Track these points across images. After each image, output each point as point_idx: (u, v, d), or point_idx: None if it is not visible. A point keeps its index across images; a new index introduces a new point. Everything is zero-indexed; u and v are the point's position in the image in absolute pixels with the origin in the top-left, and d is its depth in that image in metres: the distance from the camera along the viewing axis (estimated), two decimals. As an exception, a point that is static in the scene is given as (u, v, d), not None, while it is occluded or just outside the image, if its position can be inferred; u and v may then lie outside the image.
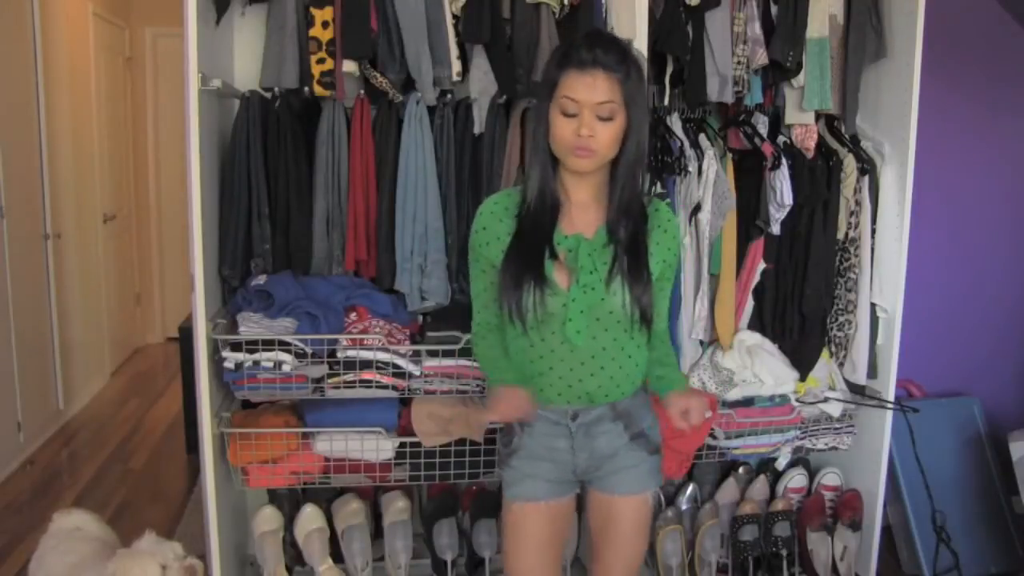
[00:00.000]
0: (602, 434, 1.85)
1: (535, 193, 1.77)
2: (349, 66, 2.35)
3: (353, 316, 2.40)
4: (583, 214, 1.79)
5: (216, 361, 2.27)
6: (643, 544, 1.95)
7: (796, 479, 2.86)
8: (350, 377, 2.31)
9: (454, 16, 2.35)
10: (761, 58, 2.47)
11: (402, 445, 2.44)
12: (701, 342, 2.59)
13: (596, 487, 1.91)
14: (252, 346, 2.24)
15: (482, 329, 1.91)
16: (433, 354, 2.34)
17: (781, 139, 2.61)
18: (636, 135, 1.71)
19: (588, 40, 1.69)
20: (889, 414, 2.69)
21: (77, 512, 2.48)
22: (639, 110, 1.70)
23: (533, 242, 1.76)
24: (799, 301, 2.61)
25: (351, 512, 2.58)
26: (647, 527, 1.95)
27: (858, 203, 2.59)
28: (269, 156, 2.39)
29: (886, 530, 2.99)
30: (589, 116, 1.65)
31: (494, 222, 1.81)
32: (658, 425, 1.92)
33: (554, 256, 1.75)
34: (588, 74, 1.64)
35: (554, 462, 1.86)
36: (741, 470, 2.88)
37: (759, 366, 2.55)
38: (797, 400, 2.66)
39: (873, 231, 2.62)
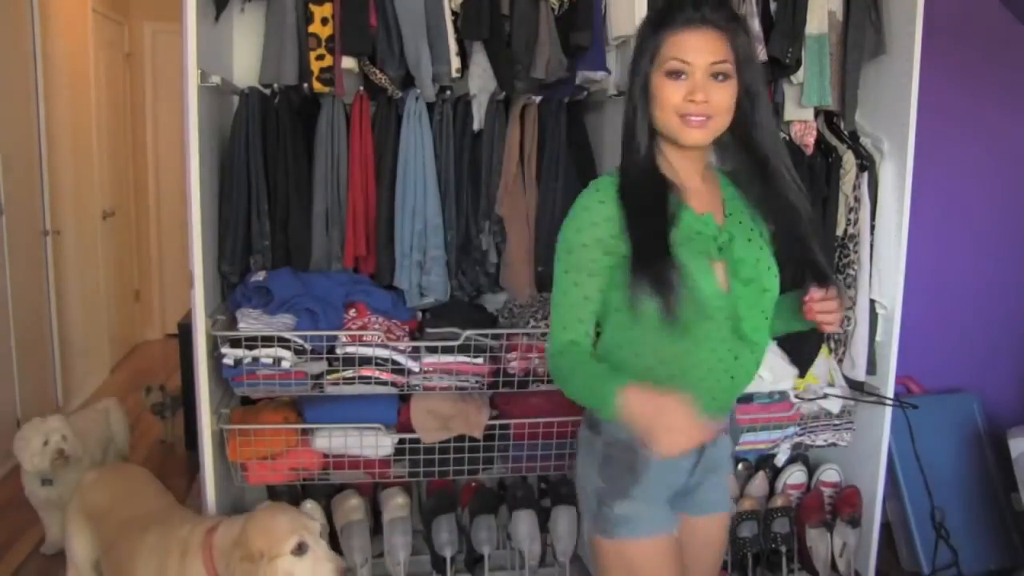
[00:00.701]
0: (717, 446, 1.63)
1: (642, 176, 1.51)
2: (348, 62, 2.35)
3: (352, 312, 2.40)
4: (700, 196, 1.55)
5: (215, 357, 2.27)
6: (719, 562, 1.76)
7: (795, 475, 2.86)
8: (349, 373, 2.31)
9: (453, 13, 2.35)
10: (760, 54, 2.47)
11: (401, 441, 2.44)
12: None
13: (691, 510, 1.65)
14: (251, 342, 2.24)
15: (573, 353, 1.52)
16: (432, 350, 2.34)
17: (780, 135, 2.61)
18: (757, 101, 1.51)
19: None
20: (888, 410, 2.69)
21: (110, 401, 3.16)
22: (755, 71, 1.50)
23: (660, 231, 1.47)
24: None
25: (350, 508, 2.58)
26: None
27: (857, 199, 2.59)
28: (268, 152, 2.39)
29: (885, 526, 2.99)
30: (703, 78, 1.44)
31: (604, 211, 1.49)
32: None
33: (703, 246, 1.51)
34: (696, 31, 1.44)
35: (670, 486, 1.60)
36: (740, 466, 2.88)
37: (758, 363, 2.55)
38: (796, 397, 2.66)
39: (872, 227, 2.62)
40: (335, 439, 2.40)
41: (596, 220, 1.49)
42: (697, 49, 1.44)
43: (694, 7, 1.45)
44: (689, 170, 1.56)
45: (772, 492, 2.86)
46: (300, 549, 1.88)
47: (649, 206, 1.49)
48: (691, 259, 1.47)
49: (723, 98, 1.46)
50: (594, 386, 1.48)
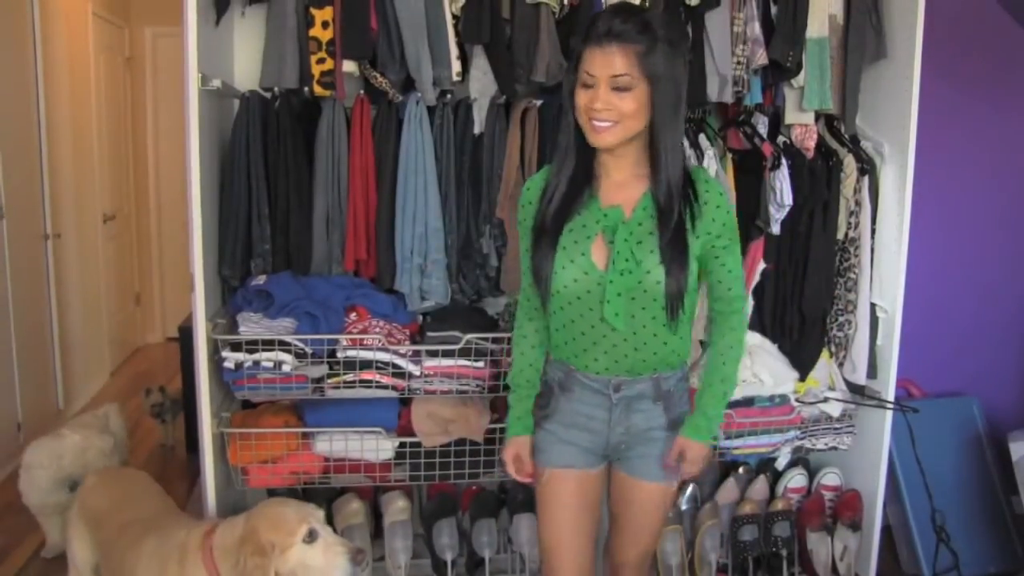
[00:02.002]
0: (641, 411, 1.85)
1: (561, 168, 1.78)
2: (349, 66, 2.35)
3: (353, 316, 2.40)
4: (621, 191, 1.78)
5: (216, 361, 2.27)
6: (659, 534, 1.99)
7: (796, 479, 2.86)
8: (350, 377, 2.31)
9: (454, 16, 2.35)
10: (761, 58, 2.47)
11: (402, 445, 2.44)
12: (701, 342, 2.59)
13: (623, 468, 1.91)
14: (252, 346, 2.24)
15: (522, 318, 1.95)
16: (433, 354, 2.34)
17: (781, 139, 2.61)
18: (665, 106, 1.67)
19: (607, 12, 1.69)
20: (889, 414, 2.69)
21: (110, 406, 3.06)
22: (665, 80, 1.66)
23: (558, 217, 1.77)
24: (799, 301, 2.61)
25: (351, 512, 2.58)
26: (665, 518, 1.98)
27: (858, 203, 2.59)
28: (269, 156, 2.39)
29: (886, 530, 2.99)
30: (604, 89, 1.65)
31: (536, 192, 1.84)
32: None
33: (582, 233, 1.76)
34: (603, 48, 1.64)
35: (590, 432, 1.86)
36: (741, 470, 2.88)
37: (759, 366, 2.55)
38: (797, 400, 2.66)
39: (873, 231, 2.62)
40: (336, 443, 2.40)
41: (523, 202, 1.87)
42: (602, 62, 1.65)
43: (604, 22, 1.66)
44: (612, 165, 1.78)
45: (773, 496, 2.85)
46: (311, 536, 1.91)
47: (552, 197, 1.79)
48: (571, 244, 1.76)
49: (626, 106, 1.66)
50: (511, 392, 1.96)
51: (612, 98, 1.65)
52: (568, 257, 1.76)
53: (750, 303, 2.60)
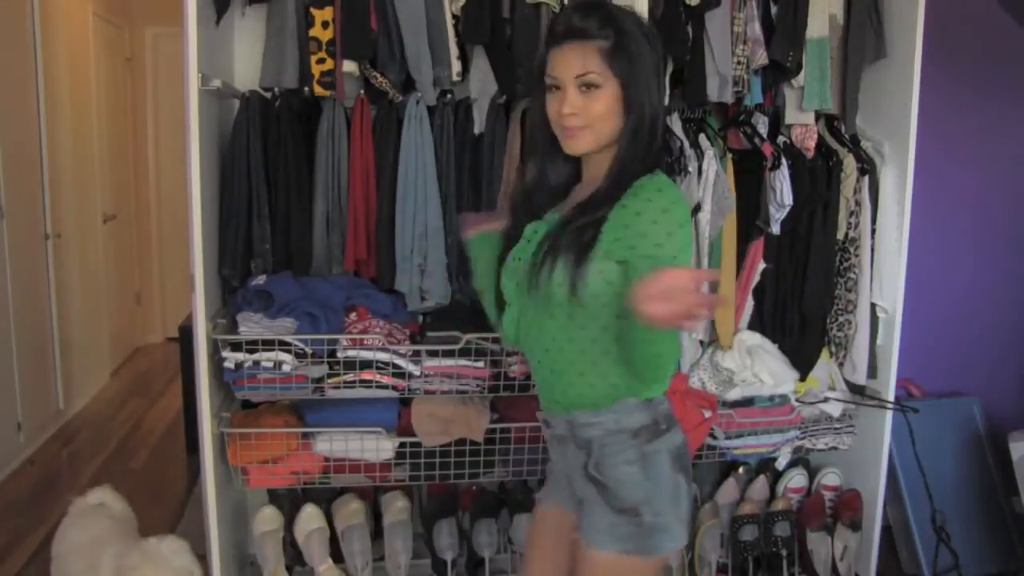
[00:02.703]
0: (568, 455, 1.66)
1: (527, 184, 1.68)
2: (349, 66, 2.35)
3: (353, 316, 2.40)
4: (581, 191, 1.63)
5: (216, 361, 2.27)
6: None
7: (796, 479, 2.86)
8: (350, 377, 2.31)
9: (454, 16, 2.35)
10: (761, 58, 2.47)
11: (402, 445, 2.44)
12: (701, 342, 2.59)
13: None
14: (252, 346, 2.24)
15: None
16: (433, 354, 2.34)
17: (781, 139, 2.61)
18: (635, 103, 1.53)
19: (566, 10, 1.57)
20: (889, 414, 2.69)
21: (102, 489, 2.52)
22: (634, 75, 1.51)
23: (508, 232, 1.69)
24: (799, 301, 2.61)
25: (351, 512, 2.58)
26: None
27: (858, 203, 2.59)
28: (269, 156, 2.39)
29: (886, 530, 2.99)
30: (571, 92, 1.52)
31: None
32: (651, 484, 1.57)
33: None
34: (563, 47, 1.52)
35: (555, 471, 1.79)
36: (741, 470, 2.88)
37: (759, 366, 2.55)
38: (797, 400, 2.66)
39: (873, 231, 2.62)
40: (336, 443, 2.40)
41: None
42: (563, 62, 1.53)
43: (562, 21, 1.54)
44: (593, 166, 1.62)
45: (773, 496, 2.85)
46: None
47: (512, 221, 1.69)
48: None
49: (596, 107, 1.52)
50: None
51: (580, 100, 1.52)
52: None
53: (750, 303, 2.60)
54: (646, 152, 1.56)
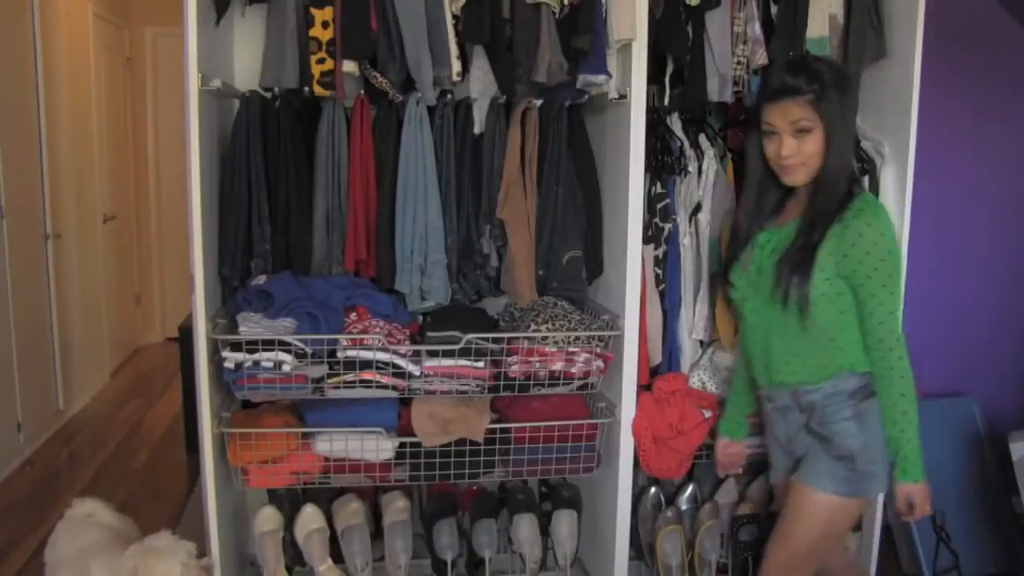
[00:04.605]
0: (791, 420, 2.05)
1: (748, 204, 2.07)
2: (349, 66, 2.35)
3: (353, 316, 2.40)
4: (793, 209, 2.01)
5: (216, 361, 2.27)
6: (808, 540, 2.00)
7: (796, 479, 2.85)
8: (350, 377, 2.31)
9: (454, 16, 2.35)
10: (761, 58, 2.47)
11: (402, 445, 2.43)
12: (701, 342, 2.59)
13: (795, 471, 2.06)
14: (252, 346, 2.24)
15: None
16: (433, 354, 2.34)
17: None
18: (835, 146, 1.89)
19: (779, 69, 1.98)
20: (889, 414, 2.68)
21: (91, 500, 2.50)
22: (836, 124, 1.88)
23: (736, 240, 2.10)
24: (799, 301, 2.61)
25: (351, 512, 2.58)
26: (819, 528, 1.99)
27: (858, 203, 2.58)
28: (269, 156, 2.39)
29: (886, 530, 2.98)
30: (787, 138, 1.90)
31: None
32: (866, 436, 1.95)
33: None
34: (779, 103, 1.89)
35: (773, 439, 2.16)
36: (741, 470, 2.88)
37: (759, 366, 2.55)
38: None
39: (873, 231, 2.61)
40: (336, 443, 2.40)
41: None
42: (780, 116, 1.90)
43: (777, 78, 1.93)
44: (800, 191, 2.01)
45: (772, 496, 2.85)
46: None
47: (741, 233, 2.12)
48: (737, 267, 2.09)
49: (809, 148, 1.90)
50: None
51: (794, 144, 1.89)
52: (733, 275, 2.10)
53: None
54: (848, 173, 1.95)
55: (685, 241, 2.49)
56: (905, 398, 1.90)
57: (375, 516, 2.69)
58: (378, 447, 2.40)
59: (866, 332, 1.93)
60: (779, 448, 2.15)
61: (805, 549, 2.01)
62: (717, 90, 2.48)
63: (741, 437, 2.35)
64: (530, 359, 2.36)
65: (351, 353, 2.29)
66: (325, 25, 2.32)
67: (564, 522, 2.57)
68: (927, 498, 1.93)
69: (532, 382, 2.38)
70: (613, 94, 2.41)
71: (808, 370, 1.98)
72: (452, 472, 2.46)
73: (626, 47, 2.37)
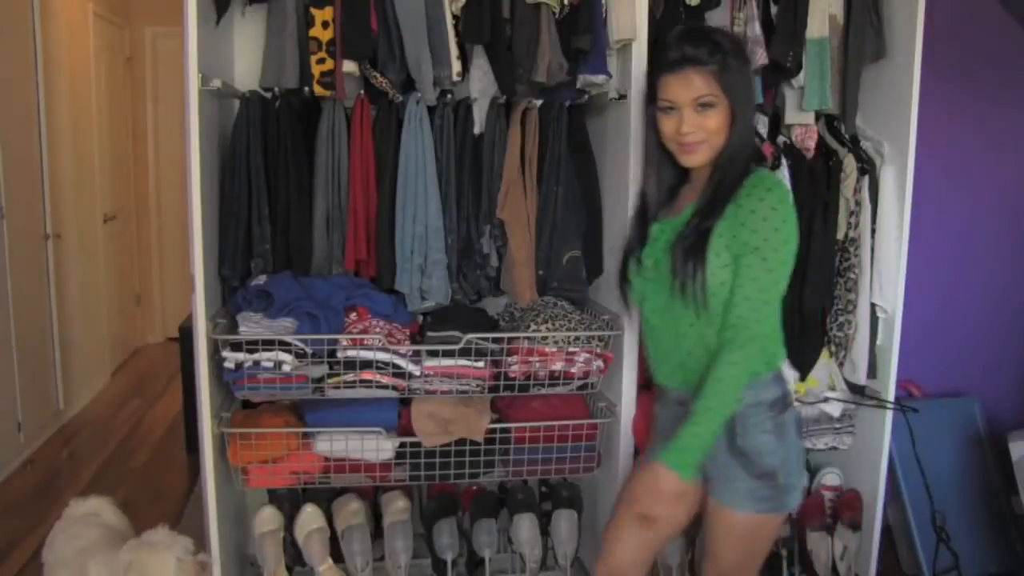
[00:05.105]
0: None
1: (645, 190, 1.92)
2: (349, 66, 2.35)
3: (353, 316, 2.40)
4: (688, 194, 1.86)
5: (216, 361, 2.27)
6: (737, 561, 1.91)
7: (796, 479, 2.85)
8: (350, 377, 2.31)
9: (454, 16, 2.35)
10: (761, 58, 2.47)
11: (402, 445, 2.43)
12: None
13: (706, 482, 1.89)
14: (252, 346, 2.24)
15: None
16: (433, 354, 2.34)
17: (781, 139, 2.61)
18: (739, 123, 1.75)
19: (676, 38, 1.76)
20: (889, 414, 2.69)
21: (93, 498, 2.50)
22: (740, 98, 1.75)
23: (634, 232, 1.94)
24: (799, 301, 2.60)
25: (351, 512, 2.58)
26: (745, 548, 1.89)
27: (858, 203, 2.59)
28: (269, 156, 2.39)
29: (886, 530, 2.99)
30: (688, 113, 1.74)
31: None
32: (785, 451, 1.83)
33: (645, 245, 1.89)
34: (680, 74, 1.72)
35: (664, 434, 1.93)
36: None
37: (759, 366, 2.55)
38: (797, 400, 2.66)
39: (873, 231, 2.62)
40: (336, 443, 2.40)
41: None
42: (681, 88, 1.73)
43: (675, 48, 1.74)
44: (700, 170, 1.84)
45: (773, 496, 2.85)
46: None
47: (636, 221, 1.95)
48: (632, 263, 1.93)
49: (712, 123, 1.74)
50: None
51: (696, 119, 1.74)
52: (631, 272, 1.94)
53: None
54: (748, 152, 1.79)
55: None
56: (719, 384, 1.69)
57: (375, 516, 2.69)
58: (378, 447, 2.40)
59: (728, 307, 1.72)
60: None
61: (735, 565, 1.92)
62: (717, 90, 2.48)
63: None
64: (530, 359, 2.36)
65: (351, 353, 2.29)
66: (325, 25, 2.33)
67: (564, 522, 2.57)
68: (671, 490, 1.72)
69: (532, 382, 2.38)
70: (613, 94, 2.41)
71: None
72: (452, 472, 2.46)
73: (626, 47, 2.37)
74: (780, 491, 1.82)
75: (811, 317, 2.62)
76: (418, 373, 2.34)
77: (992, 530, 3.10)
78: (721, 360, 1.71)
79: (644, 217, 1.91)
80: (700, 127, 1.74)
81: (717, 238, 1.72)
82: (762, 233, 1.69)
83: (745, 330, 1.71)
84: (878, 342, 2.68)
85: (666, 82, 1.75)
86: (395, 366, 2.32)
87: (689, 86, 1.72)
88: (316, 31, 2.33)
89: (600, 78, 2.39)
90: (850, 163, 2.58)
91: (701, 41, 1.72)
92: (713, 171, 1.79)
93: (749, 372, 1.72)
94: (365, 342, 2.30)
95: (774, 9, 2.51)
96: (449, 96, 2.44)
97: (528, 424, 2.43)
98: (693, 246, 1.72)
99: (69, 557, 2.27)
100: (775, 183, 1.77)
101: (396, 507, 2.62)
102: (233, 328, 2.29)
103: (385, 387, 2.33)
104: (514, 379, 2.37)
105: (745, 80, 1.78)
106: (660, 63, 1.77)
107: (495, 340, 2.37)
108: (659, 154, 1.87)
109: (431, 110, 2.42)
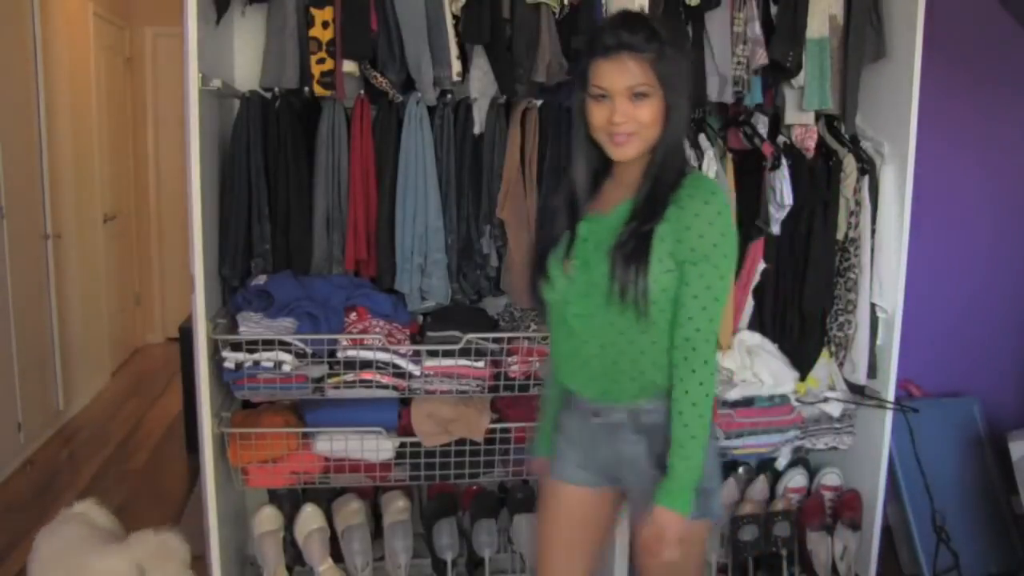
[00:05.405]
0: (626, 442, 1.75)
1: (571, 182, 1.77)
2: (349, 66, 2.35)
3: (353, 316, 2.40)
4: (619, 191, 1.72)
5: (216, 361, 2.27)
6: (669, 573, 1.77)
7: (796, 479, 2.86)
8: (350, 377, 2.31)
9: (454, 16, 2.35)
10: (761, 58, 2.47)
11: (402, 445, 2.44)
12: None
13: (629, 498, 1.84)
14: (252, 346, 2.24)
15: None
16: (433, 354, 2.34)
17: (781, 139, 2.61)
18: (674, 117, 1.65)
19: (612, 23, 1.66)
20: (889, 414, 2.69)
21: (86, 503, 2.48)
22: (676, 89, 1.64)
23: (553, 228, 1.78)
24: (799, 301, 2.61)
25: (351, 512, 2.58)
26: (683, 561, 1.70)
27: (858, 203, 2.59)
28: (269, 156, 2.39)
29: (886, 530, 2.99)
30: (621, 101, 1.62)
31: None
32: (704, 463, 1.70)
33: (567, 242, 1.74)
34: (614, 60, 1.61)
35: (583, 449, 1.82)
36: (741, 470, 2.88)
37: (759, 366, 2.55)
38: (797, 400, 2.66)
39: (873, 231, 2.62)
40: (336, 443, 2.40)
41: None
42: (615, 74, 1.61)
43: (611, 33, 1.62)
44: (628, 168, 1.71)
45: (773, 496, 2.85)
46: None
47: (556, 215, 1.79)
48: (555, 256, 1.75)
49: (645, 115, 1.63)
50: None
51: (629, 109, 1.62)
52: (551, 268, 1.75)
53: (750, 303, 2.60)
54: (683, 149, 1.72)
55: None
56: (696, 409, 1.62)
57: (375, 516, 2.69)
58: (378, 447, 2.41)
59: (675, 325, 1.64)
60: (583, 462, 1.83)
61: None
62: (717, 90, 2.48)
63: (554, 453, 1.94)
64: (530, 359, 2.36)
65: (351, 353, 2.30)
66: (325, 25, 2.33)
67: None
68: (677, 536, 1.62)
69: (532, 382, 2.38)
70: (613, 94, 2.41)
71: (648, 379, 1.70)
72: (452, 472, 2.46)
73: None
74: (705, 496, 1.70)
75: (811, 317, 2.63)
76: (418, 373, 2.34)
77: (992, 530, 3.09)
78: (689, 382, 1.63)
79: (572, 211, 1.76)
80: (632, 118, 1.62)
81: (659, 243, 1.62)
82: (710, 238, 1.61)
83: (706, 344, 1.63)
84: (878, 342, 2.68)
85: (600, 68, 1.62)
86: (395, 366, 2.33)
87: (624, 73, 1.60)
88: (316, 31, 2.33)
89: (600, 78, 2.39)
90: (850, 163, 2.58)
91: (639, 27, 1.61)
92: (647, 168, 1.68)
93: (714, 386, 1.66)
94: (365, 342, 2.30)
95: (774, 9, 2.51)
96: (449, 96, 2.44)
97: (528, 424, 2.42)
98: (635, 251, 1.61)
99: (49, 558, 2.25)
100: (715, 186, 1.71)
101: (396, 507, 2.62)
102: (233, 328, 2.29)
103: (385, 387, 2.33)
104: (514, 379, 2.38)
105: (683, 72, 1.67)
106: (595, 48, 1.64)
107: (495, 340, 2.37)
108: (586, 145, 1.73)
109: (431, 110, 2.42)
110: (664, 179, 1.65)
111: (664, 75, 1.61)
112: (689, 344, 1.63)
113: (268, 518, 2.54)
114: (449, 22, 2.34)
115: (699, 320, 1.62)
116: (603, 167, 1.76)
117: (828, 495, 2.85)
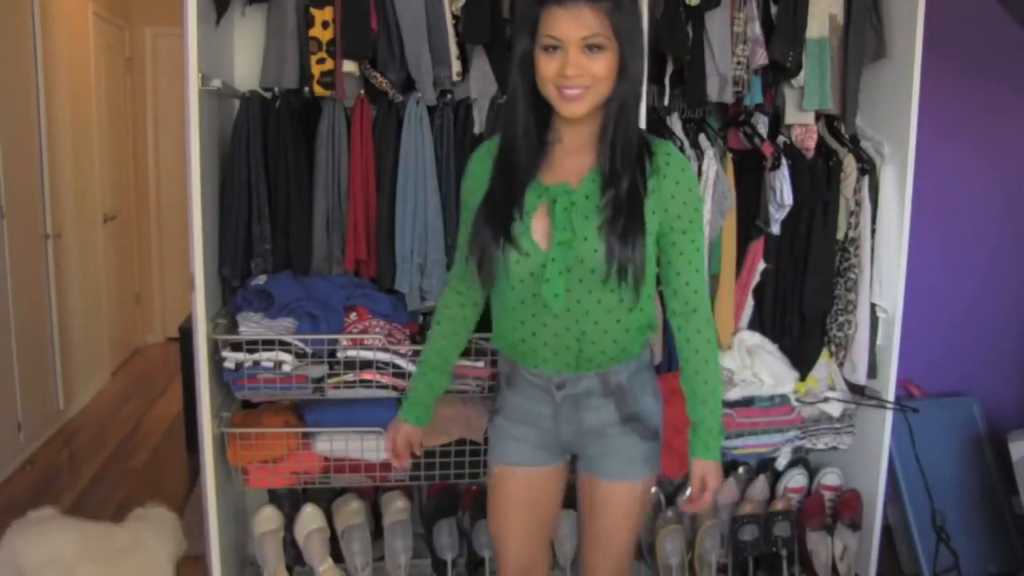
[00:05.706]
0: (591, 409, 1.72)
1: (511, 142, 1.63)
2: (349, 66, 2.35)
3: (353, 316, 2.40)
4: (574, 160, 1.63)
5: (216, 361, 2.27)
6: (631, 535, 1.80)
7: (796, 479, 2.86)
8: (350, 377, 2.31)
9: (454, 16, 2.35)
10: (761, 58, 2.47)
11: (402, 445, 2.43)
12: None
13: (584, 467, 1.80)
14: (252, 346, 2.24)
15: (449, 291, 1.86)
16: (433, 354, 2.34)
17: (781, 139, 2.61)
18: (630, 70, 1.55)
19: None
20: (889, 414, 2.69)
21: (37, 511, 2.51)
22: (632, 42, 1.55)
23: (505, 196, 1.63)
24: (799, 301, 2.61)
25: (351, 512, 2.58)
26: (638, 518, 1.80)
27: (858, 203, 2.59)
28: (269, 156, 2.39)
29: (886, 530, 2.99)
30: (575, 52, 1.51)
31: (482, 166, 1.72)
32: (660, 408, 1.78)
33: (523, 212, 1.61)
34: (570, 8, 1.50)
35: (537, 428, 1.77)
36: (741, 470, 2.88)
37: (759, 366, 2.55)
38: (797, 400, 2.66)
39: (873, 231, 2.62)
40: (336, 443, 2.40)
41: (466, 172, 1.77)
42: (570, 24, 1.51)
43: None
44: (567, 131, 1.64)
45: (773, 496, 2.85)
46: None
47: (500, 182, 1.65)
48: (524, 234, 1.61)
49: (598, 68, 1.53)
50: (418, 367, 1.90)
51: (583, 61, 1.51)
52: (523, 243, 1.61)
53: (750, 303, 2.60)
54: (637, 109, 1.63)
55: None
56: (709, 365, 1.67)
57: (375, 516, 2.69)
58: (378, 447, 2.40)
59: (672, 293, 1.67)
60: (540, 441, 1.79)
61: (628, 542, 1.81)
62: (717, 90, 2.48)
63: (425, 423, 1.93)
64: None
65: (351, 353, 2.30)
66: (325, 25, 2.33)
67: (564, 522, 2.57)
68: (720, 478, 1.73)
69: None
70: (613, 94, 2.41)
71: (621, 347, 1.68)
72: (452, 472, 2.46)
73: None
74: (659, 449, 1.78)
75: (811, 317, 2.63)
76: (418, 373, 2.33)
77: (992, 530, 3.09)
78: (697, 341, 1.69)
79: (511, 177, 1.64)
80: (586, 71, 1.51)
81: (650, 215, 1.59)
82: (692, 204, 1.64)
83: (704, 302, 1.69)
84: (878, 342, 2.68)
85: (553, 16, 1.51)
86: (395, 366, 2.33)
87: (580, 22, 1.49)
88: (316, 31, 2.33)
89: (600, 78, 2.39)
90: (850, 163, 2.58)
91: None
92: (602, 131, 1.59)
93: (716, 334, 1.72)
94: (365, 342, 2.30)
95: (774, 9, 2.51)
96: (449, 96, 2.45)
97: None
98: (628, 228, 1.56)
99: (49, 559, 2.25)
100: (680, 153, 1.70)
101: (396, 507, 2.62)
102: (233, 328, 2.29)
103: (385, 387, 2.33)
104: (514, 379, 2.37)
105: (638, 27, 1.59)
106: None
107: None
108: (529, 100, 1.60)
109: (431, 110, 2.42)
110: (625, 142, 1.58)
111: (620, 27, 1.52)
112: (690, 307, 1.68)
113: (268, 518, 2.54)
114: (449, 22, 2.34)
115: (696, 282, 1.67)
116: (543, 127, 1.64)
117: (828, 495, 2.85)
